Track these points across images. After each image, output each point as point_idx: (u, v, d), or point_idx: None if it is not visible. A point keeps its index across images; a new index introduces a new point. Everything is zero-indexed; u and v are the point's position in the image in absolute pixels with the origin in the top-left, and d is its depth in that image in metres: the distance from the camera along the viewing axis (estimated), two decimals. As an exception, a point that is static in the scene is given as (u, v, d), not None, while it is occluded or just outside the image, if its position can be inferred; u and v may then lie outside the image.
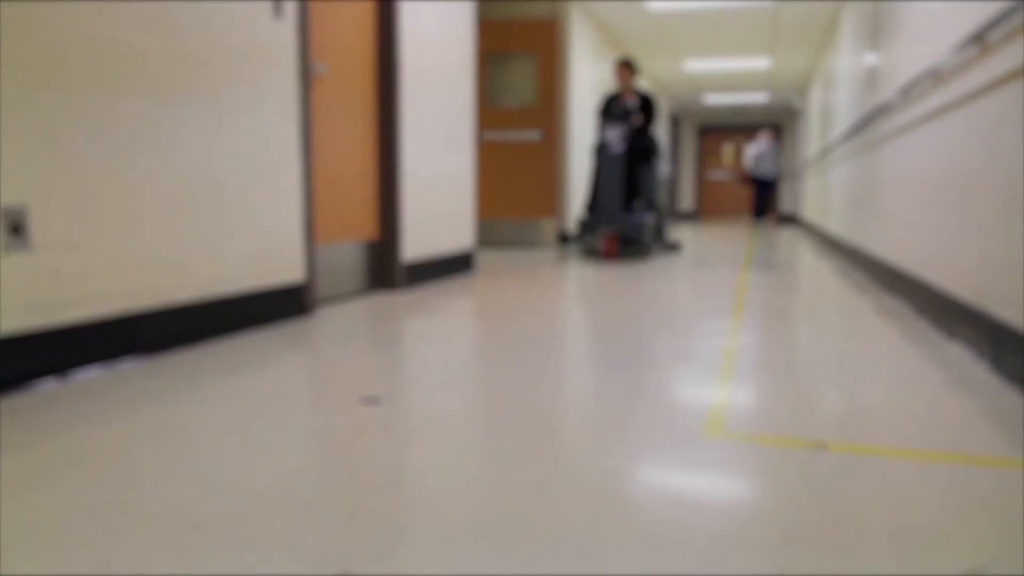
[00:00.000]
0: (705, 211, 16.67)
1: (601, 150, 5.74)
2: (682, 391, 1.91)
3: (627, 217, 5.55)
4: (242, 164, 2.62)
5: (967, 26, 2.48)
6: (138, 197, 2.20)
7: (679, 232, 10.06)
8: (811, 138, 10.46)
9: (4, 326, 1.84)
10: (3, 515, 1.16)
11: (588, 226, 5.62)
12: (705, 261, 5.66)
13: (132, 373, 2.06)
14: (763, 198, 11.55)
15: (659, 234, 6.14)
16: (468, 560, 1.02)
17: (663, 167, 7.19)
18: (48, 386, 1.91)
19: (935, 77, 2.85)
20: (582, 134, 7.40)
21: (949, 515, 1.17)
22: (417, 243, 3.98)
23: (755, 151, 11.62)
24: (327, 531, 1.11)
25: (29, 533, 1.10)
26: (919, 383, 1.98)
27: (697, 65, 10.28)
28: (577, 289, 4.05)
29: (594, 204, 5.69)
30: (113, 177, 2.12)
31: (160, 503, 1.20)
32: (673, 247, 6.37)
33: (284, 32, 2.83)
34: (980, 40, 2.28)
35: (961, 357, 2.29)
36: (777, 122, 15.53)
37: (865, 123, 4.75)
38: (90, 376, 2.01)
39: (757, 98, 13.49)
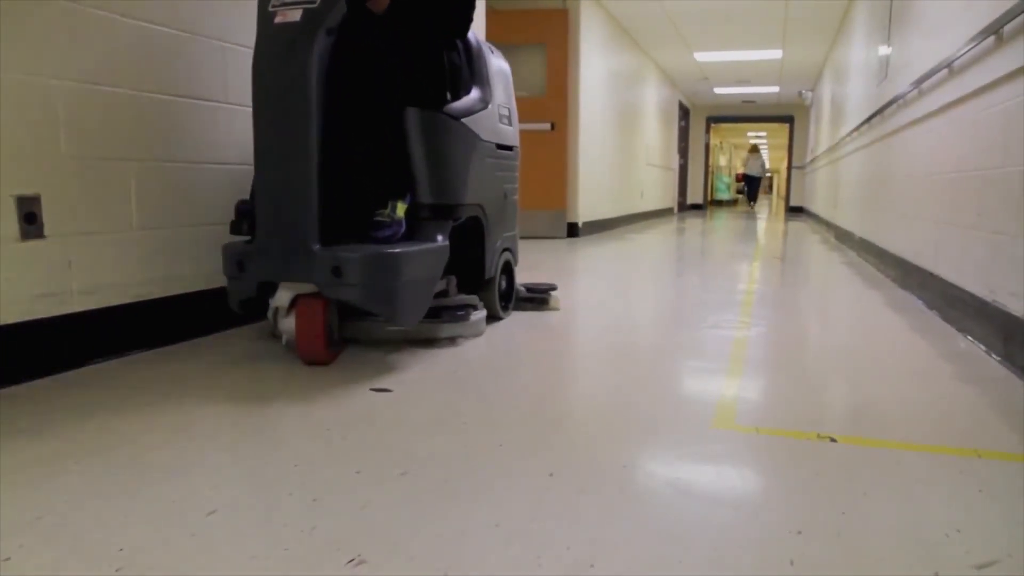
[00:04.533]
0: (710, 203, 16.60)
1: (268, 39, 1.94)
2: (693, 381, 1.91)
3: (349, 250, 1.89)
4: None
5: (982, 18, 2.45)
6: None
7: (683, 225, 10.00)
8: (821, 131, 10.39)
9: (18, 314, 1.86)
10: (18, 501, 1.17)
11: (243, 262, 1.99)
12: (713, 255, 5.63)
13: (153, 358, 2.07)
14: (753, 189, 19.33)
15: (486, 278, 2.52)
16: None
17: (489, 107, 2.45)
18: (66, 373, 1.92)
19: (949, 69, 2.83)
20: (593, 126, 7.37)
21: (959, 509, 1.17)
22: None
23: (748, 159, 19.30)
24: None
25: (44, 518, 1.12)
26: (929, 376, 1.98)
27: (708, 57, 10.22)
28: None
29: (254, 205, 2.02)
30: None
31: (174, 492, 1.22)
32: (534, 300, 2.94)
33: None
34: (995, 32, 2.26)
35: (971, 350, 2.28)
36: (787, 114, 15.43)
37: (877, 116, 4.71)
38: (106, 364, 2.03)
39: (767, 91, 13.40)
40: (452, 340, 2.33)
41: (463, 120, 2.25)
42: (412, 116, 2.06)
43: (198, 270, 2.42)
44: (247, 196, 2.19)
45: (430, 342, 2.30)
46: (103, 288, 2.09)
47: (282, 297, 1.98)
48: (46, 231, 1.92)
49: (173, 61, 2.28)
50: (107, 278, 2.10)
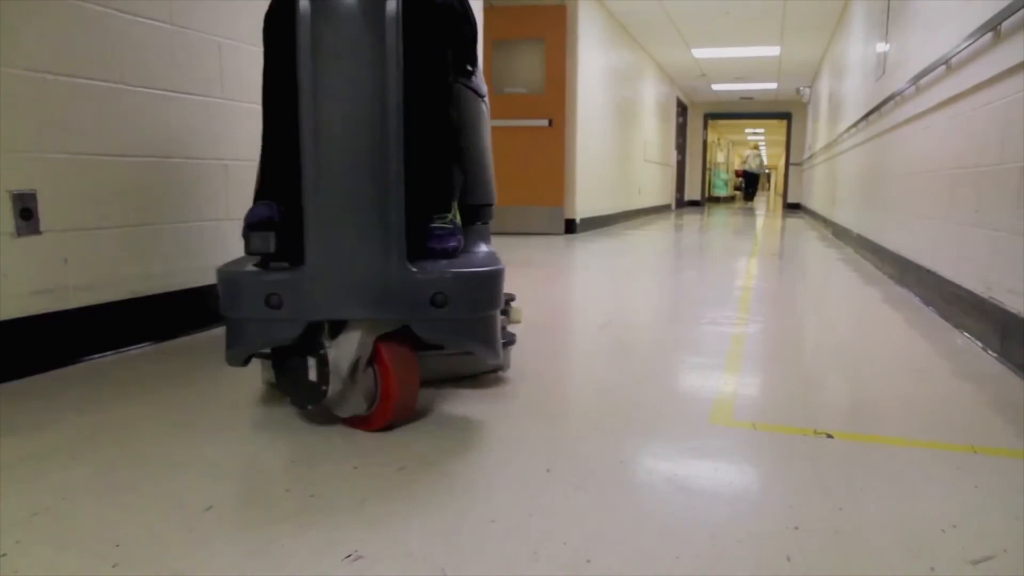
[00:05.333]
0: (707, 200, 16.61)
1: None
2: (691, 377, 1.91)
3: (443, 270, 1.43)
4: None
5: (981, 14, 2.45)
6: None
7: (680, 221, 10.00)
8: (819, 127, 10.40)
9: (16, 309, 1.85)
10: (15, 496, 1.17)
11: (280, 295, 1.39)
12: (711, 251, 5.64)
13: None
14: (751, 186, 20.67)
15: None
16: (476, 544, 1.02)
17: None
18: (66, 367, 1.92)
19: (947, 66, 2.83)
20: (591, 122, 7.37)
21: (955, 504, 1.17)
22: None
23: (747, 157, 20.38)
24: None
25: (41, 514, 1.11)
26: (926, 372, 1.98)
27: (706, 53, 10.22)
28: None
29: (284, 214, 1.46)
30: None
31: (170, 487, 1.21)
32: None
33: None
34: (993, 28, 2.26)
35: (968, 347, 2.28)
36: (785, 111, 15.44)
37: (875, 113, 4.71)
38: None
39: (765, 87, 13.40)
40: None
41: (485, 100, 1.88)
42: (466, 97, 1.68)
43: (195, 266, 2.42)
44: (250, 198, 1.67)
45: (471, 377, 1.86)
46: (100, 284, 2.09)
47: (361, 342, 1.40)
48: (42, 227, 1.91)
49: (170, 56, 2.27)
50: (104, 274, 2.10)
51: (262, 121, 1.58)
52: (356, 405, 1.43)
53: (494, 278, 1.45)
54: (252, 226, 1.43)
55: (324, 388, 1.40)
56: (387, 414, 1.45)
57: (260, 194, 1.56)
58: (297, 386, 1.44)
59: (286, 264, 1.42)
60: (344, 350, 1.39)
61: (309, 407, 1.48)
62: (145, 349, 2.17)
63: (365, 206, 1.36)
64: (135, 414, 1.58)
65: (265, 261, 1.45)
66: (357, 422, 1.48)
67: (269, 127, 1.56)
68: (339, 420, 1.52)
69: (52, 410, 1.60)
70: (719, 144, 22.74)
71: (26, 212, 1.86)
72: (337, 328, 1.42)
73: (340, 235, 1.37)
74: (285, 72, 1.42)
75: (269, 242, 1.42)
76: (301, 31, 1.32)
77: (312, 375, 1.41)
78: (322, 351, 1.40)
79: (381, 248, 1.37)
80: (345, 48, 1.34)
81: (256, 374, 1.87)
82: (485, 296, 1.43)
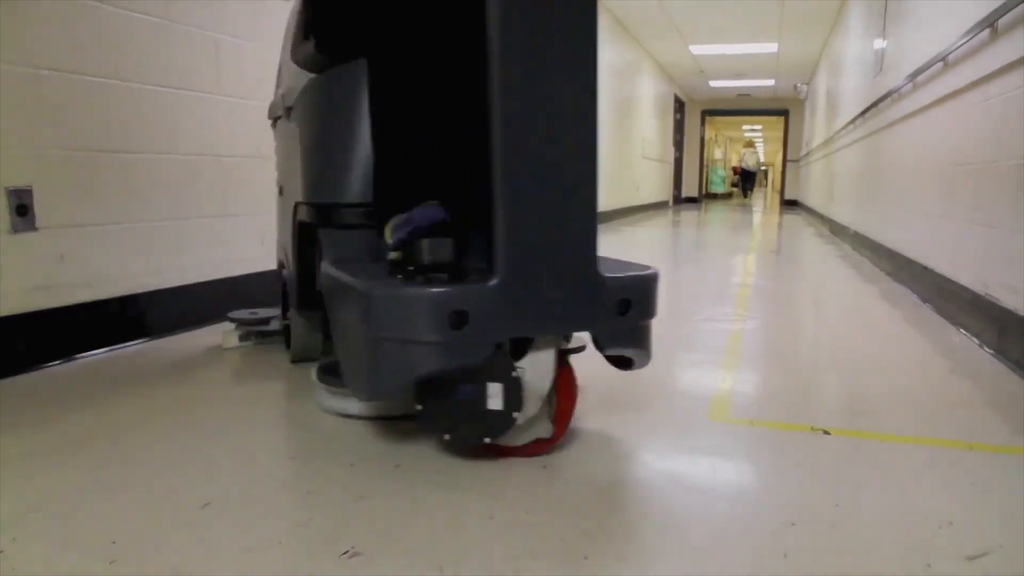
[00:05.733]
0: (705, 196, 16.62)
1: None
2: (689, 374, 1.91)
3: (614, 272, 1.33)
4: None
5: (978, 11, 2.45)
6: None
7: (678, 218, 10.01)
8: (816, 124, 10.40)
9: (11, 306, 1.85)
10: (11, 494, 1.17)
11: (468, 312, 1.17)
12: (708, 248, 5.64)
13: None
14: (748, 182, 21.13)
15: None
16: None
17: None
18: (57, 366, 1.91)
19: (944, 63, 2.83)
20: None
21: (951, 501, 1.17)
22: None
23: (744, 154, 20.94)
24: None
25: (37, 511, 1.11)
26: (922, 369, 1.98)
27: (703, 50, 10.21)
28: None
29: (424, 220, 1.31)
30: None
31: (168, 484, 1.21)
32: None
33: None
34: (991, 25, 2.26)
35: (965, 344, 2.29)
36: (782, 108, 15.44)
37: (872, 109, 4.72)
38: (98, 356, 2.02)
39: (763, 84, 13.40)
40: None
41: None
42: None
43: (192, 263, 2.41)
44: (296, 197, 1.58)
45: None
46: (96, 280, 2.08)
47: (546, 363, 1.27)
48: (38, 223, 1.90)
49: (166, 52, 2.26)
50: (100, 270, 2.09)
51: (385, 118, 1.40)
52: (543, 428, 1.30)
53: (657, 281, 1.36)
54: (422, 231, 1.23)
55: (514, 416, 1.21)
56: (560, 433, 1.34)
57: (382, 197, 1.41)
58: (466, 419, 1.22)
59: (446, 276, 1.21)
60: (541, 370, 1.24)
61: (487, 440, 1.24)
62: (141, 346, 2.17)
63: (564, 210, 1.21)
64: (131, 411, 1.58)
65: (421, 271, 1.23)
66: (511, 449, 1.31)
67: (416, 124, 1.40)
68: (336, 418, 1.52)
69: (48, 407, 1.60)
70: (716, 141, 22.76)
71: (22, 208, 1.86)
72: (520, 347, 1.25)
73: (538, 242, 1.20)
74: (457, 69, 1.28)
75: (449, 251, 1.24)
76: (492, 29, 1.16)
77: (496, 403, 1.21)
78: (514, 374, 1.21)
79: (580, 255, 1.23)
80: (543, 43, 1.18)
81: (252, 374, 1.87)
82: (654, 300, 1.35)
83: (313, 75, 1.53)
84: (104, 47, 2.05)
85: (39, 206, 1.90)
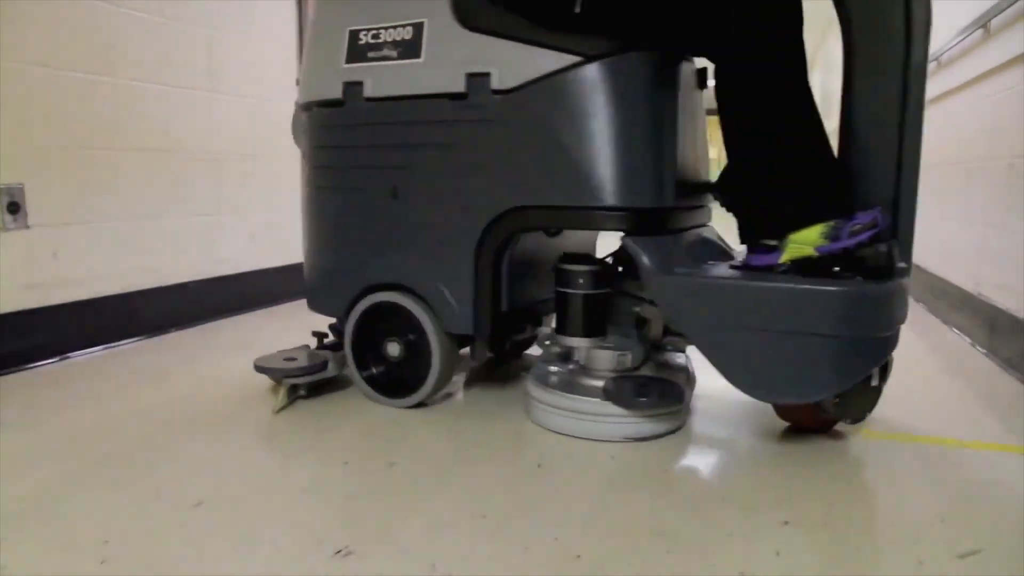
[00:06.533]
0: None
1: None
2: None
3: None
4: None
5: (971, 11, 2.46)
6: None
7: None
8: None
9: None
10: (2, 493, 1.17)
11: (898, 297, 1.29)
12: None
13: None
14: None
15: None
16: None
17: None
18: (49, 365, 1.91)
19: (937, 62, 2.84)
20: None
21: (943, 499, 1.17)
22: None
23: None
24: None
25: (27, 512, 1.11)
26: (915, 368, 1.99)
27: (698, 48, 10.21)
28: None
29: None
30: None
31: (159, 483, 1.21)
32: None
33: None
34: (983, 26, 2.27)
35: (957, 343, 2.30)
36: (777, 107, 15.46)
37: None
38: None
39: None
40: None
41: None
42: None
43: (185, 261, 2.40)
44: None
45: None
46: (89, 278, 2.07)
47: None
48: (30, 221, 1.90)
49: (159, 49, 2.25)
50: (93, 268, 2.08)
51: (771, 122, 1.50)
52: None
53: None
54: (879, 235, 1.27)
55: (883, 390, 1.41)
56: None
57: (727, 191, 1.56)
58: (861, 399, 1.37)
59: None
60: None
61: (866, 416, 1.42)
62: (135, 344, 2.16)
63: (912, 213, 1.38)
64: (124, 410, 1.57)
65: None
66: (823, 421, 1.45)
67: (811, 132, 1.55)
68: (330, 416, 1.51)
69: (40, 406, 1.59)
70: (711, 141, 22.78)
71: (13, 206, 1.85)
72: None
73: (912, 239, 1.37)
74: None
75: (894, 253, 1.29)
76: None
77: (875, 380, 1.36)
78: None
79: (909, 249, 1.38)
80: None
81: (247, 373, 1.87)
82: None
83: (574, 59, 1.35)
84: (96, 43, 2.04)
85: (31, 204, 1.89)
